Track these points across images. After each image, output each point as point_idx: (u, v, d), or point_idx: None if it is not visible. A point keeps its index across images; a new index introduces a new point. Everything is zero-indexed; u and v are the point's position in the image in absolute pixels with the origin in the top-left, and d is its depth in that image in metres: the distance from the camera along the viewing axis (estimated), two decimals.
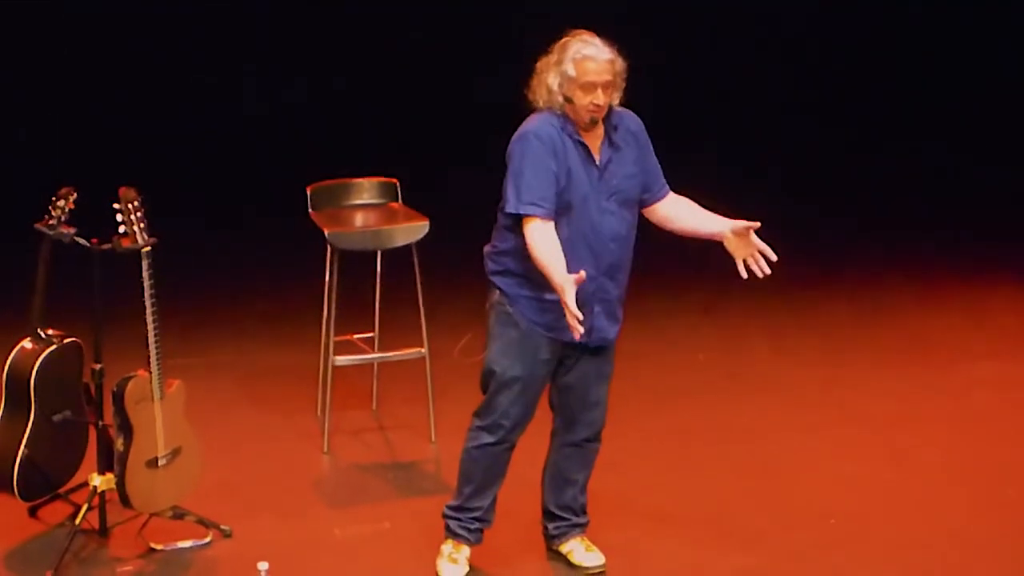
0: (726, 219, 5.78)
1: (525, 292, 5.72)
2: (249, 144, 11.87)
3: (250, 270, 9.82)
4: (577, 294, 5.44)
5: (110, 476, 6.12)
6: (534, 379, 5.81)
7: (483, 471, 5.93)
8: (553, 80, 5.60)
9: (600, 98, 5.58)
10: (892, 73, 12.91)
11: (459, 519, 5.99)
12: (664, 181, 5.90)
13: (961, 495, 6.71)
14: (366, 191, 7.42)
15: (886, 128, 12.44)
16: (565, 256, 5.54)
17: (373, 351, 7.43)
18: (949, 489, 6.77)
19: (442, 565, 5.99)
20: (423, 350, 7.16)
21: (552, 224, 5.59)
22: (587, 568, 6.02)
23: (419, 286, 7.09)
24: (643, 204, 5.84)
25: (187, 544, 6.24)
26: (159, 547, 6.21)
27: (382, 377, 7.68)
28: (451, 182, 10.56)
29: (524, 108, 5.73)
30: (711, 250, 5.89)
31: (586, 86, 5.56)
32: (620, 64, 5.63)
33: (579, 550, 6.05)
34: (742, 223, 5.72)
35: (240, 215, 10.74)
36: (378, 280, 7.41)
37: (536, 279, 5.62)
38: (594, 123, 5.66)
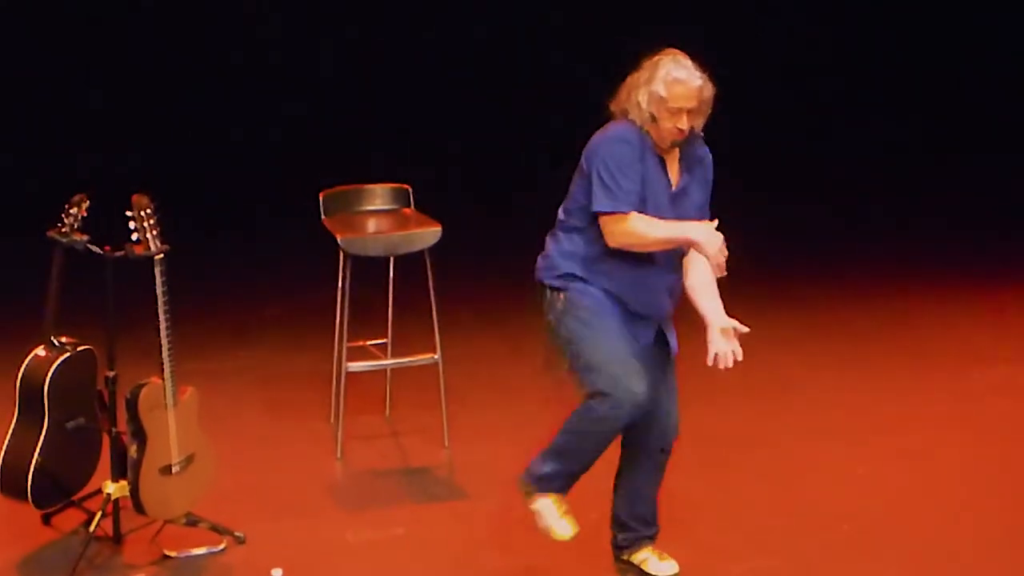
0: (720, 310, 5.72)
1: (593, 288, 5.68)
2: (262, 149, 11.89)
3: (263, 276, 9.84)
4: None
5: (124, 483, 6.13)
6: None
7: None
8: (643, 98, 5.54)
9: (684, 123, 5.53)
10: (911, 78, 12.89)
11: None
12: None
13: (976, 499, 6.69)
14: (378, 197, 7.42)
15: (901, 132, 12.42)
16: (624, 264, 5.58)
17: (386, 357, 7.43)
18: (963, 493, 6.75)
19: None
20: (436, 356, 7.15)
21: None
22: None
23: (432, 291, 7.09)
24: None
25: (201, 551, 6.24)
26: (173, 554, 6.22)
27: (395, 383, 7.68)
28: (464, 187, 10.56)
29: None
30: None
31: (673, 111, 5.52)
32: (709, 91, 5.55)
33: (653, 559, 6.00)
34: (732, 323, 5.70)
35: (253, 221, 10.75)
36: (391, 285, 7.41)
37: (598, 280, 5.63)
38: (674, 147, 5.63)
